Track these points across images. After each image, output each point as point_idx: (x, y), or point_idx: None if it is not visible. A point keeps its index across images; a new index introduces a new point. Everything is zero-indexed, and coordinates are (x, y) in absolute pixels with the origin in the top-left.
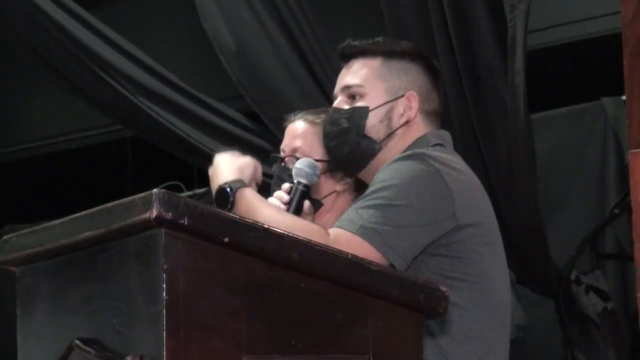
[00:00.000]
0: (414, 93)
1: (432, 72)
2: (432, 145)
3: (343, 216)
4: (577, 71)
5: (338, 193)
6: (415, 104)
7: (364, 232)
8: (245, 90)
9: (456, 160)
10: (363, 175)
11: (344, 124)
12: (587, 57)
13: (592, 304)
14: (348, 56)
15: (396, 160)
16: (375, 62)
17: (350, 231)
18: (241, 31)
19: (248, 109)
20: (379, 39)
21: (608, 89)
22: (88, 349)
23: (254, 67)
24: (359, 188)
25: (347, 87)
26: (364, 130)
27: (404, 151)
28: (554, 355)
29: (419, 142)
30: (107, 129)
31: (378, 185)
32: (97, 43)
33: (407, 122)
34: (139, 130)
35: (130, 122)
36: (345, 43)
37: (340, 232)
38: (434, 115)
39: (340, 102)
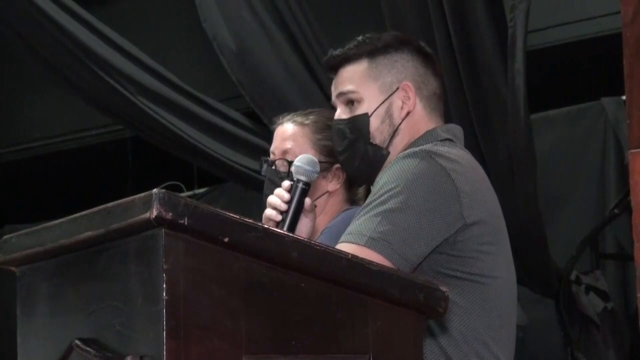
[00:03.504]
0: (407, 82)
1: (422, 55)
2: (440, 140)
3: (349, 228)
4: (577, 71)
5: (330, 193)
6: (411, 93)
7: (372, 243)
8: (245, 90)
9: (464, 156)
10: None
11: (349, 135)
12: (587, 57)
13: (592, 304)
14: (335, 67)
15: (401, 159)
16: (361, 65)
17: (358, 244)
18: (241, 31)
19: (248, 109)
20: (360, 38)
21: (608, 89)
22: (88, 349)
23: (254, 67)
24: (350, 187)
25: (342, 94)
26: (369, 137)
27: (412, 144)
28: (554, 355)
29: (428, 136)
30: (107, 129)
31: (383, 189)
32: (97, 43)
33: (408, 113)
34: (139, 130)
35: (130, 122)
36: (329, 55)
37: (348, 246)
38: (434, 98)
39: (340, 113)
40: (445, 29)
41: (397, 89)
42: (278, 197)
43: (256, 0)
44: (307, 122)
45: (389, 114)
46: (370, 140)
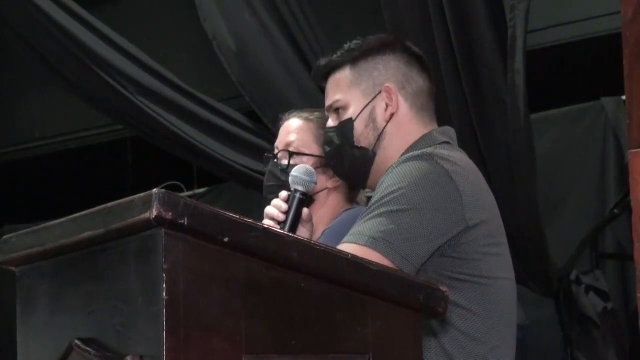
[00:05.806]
0: (389, 84)
1: (406, 54)
2: (439, 144)
3: (352, 230)
4: (577, 71)
5: (330, 190)
6: (394, 95)
7: (373, 242)
8: (245, 90)
9: (463, 159)
10: (370, 183)
11: (336, 141)
12: (587, 57)
13: (592, 304)
14: (323, 77)
15: (404, 162)
16: (344, 73)
17: (358, 244)
18: (241, 31)
19: (248, 109)
20: (347, 45)
21: (608, 89)
22: (88, 349)
23: (254, 67)
24: (353, 186)
25: (330, 106)
26: (354, 141)
27: (410, 148)
28: (554, 355)
29: (426, 139)
30: (107, 129)
31: (386, 191)
32: (97, 43)
33: (392, 115)
34: (139, 130)
35: (130, 122)
36: (315, 66)
37: (349, 246)
38: (423, 96)
39: (330, 122)
40: (445, 29)
41: (380, 92)
42: (276, 208)
43: (256, 0)
44: (312, 117)
45: (372, 118)
46: (356, 144)
